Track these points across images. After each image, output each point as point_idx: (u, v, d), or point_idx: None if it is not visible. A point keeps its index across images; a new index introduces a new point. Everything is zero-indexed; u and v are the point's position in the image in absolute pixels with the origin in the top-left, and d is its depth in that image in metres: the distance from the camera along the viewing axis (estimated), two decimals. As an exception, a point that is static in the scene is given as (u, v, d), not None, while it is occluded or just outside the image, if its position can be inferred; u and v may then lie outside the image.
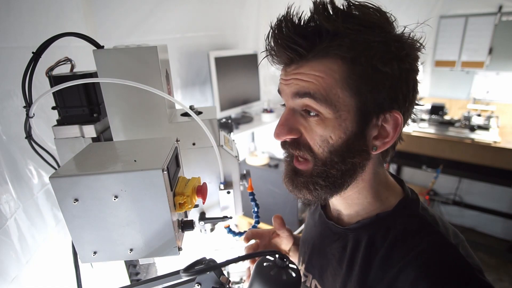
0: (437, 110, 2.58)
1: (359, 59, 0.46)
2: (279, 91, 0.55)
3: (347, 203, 0.57)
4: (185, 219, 0.55)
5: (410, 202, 0.56)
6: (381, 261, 0.51)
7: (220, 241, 1.23)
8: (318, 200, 0.55)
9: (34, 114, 0.54)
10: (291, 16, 0.47)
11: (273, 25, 0.49)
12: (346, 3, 0.47)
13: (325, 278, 0.62)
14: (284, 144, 0.54)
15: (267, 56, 0.52)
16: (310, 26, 0.47)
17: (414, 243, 0.49)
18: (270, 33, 0.49)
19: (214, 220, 0.72)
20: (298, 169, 0.54)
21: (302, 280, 0.70)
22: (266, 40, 0.51)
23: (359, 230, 0.56)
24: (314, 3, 0.47)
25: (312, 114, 0.49)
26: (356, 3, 0.47)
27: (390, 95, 0.48)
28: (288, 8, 0.48)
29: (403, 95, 0.49)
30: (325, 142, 0.50)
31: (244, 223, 1.72)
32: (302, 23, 0.47)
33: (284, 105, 0.55)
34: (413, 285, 0.45)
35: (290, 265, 0.47)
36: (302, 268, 0.72)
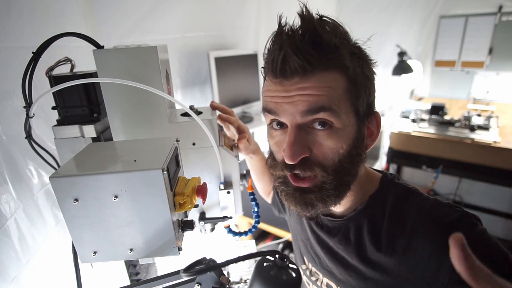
0: (437, 110, 2.58)
1: (356, 69, 0.49)
2: (268, 110, 0.51)
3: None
4: (185, 219, 0.55)
5: (390, 176, 0.62)
6: (387, 233, 0.55)
7: (220, 241, 1.23)
8: (327, 210, 0.55)
9: (34, 114, 0.54)
10: (295, 27, 0.47)
11: (281, 32, 0.47)
12: (318, 16, 0.48)
13: (336, 272, 0.64)
14: (292, 167, 0.50)
15: (266, 64, 0.50)
16: (313, 37, 0.46)
17: (410, 208, 0.54)
18: (278, 40, 0.47)
19: (214, 220, 0.71)
20: (303, 187, 0.52)
21: (313, 279, 0.70)
22: (270, 48, 0.49)
23: (358, 217, 0.59)
24: (303, 16, 0.47)
25: (321, 127, 0.48)
26: (324, 16, 0.48)
27: (373, 97, 0.54)
28: (303, 11, 0.47)
29: (375, 96, 0.55)
30: (336, 154, 0.49)
31: (244, 223, 1.72)
32: (305, 35, 0.46)
33: (278, 124, 0.52)
34: (436, 247, 0.49)
35: (290, 265, 0.47)
36: (311, 267, 0.72)
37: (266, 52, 0.50)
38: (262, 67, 0.54)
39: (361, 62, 0.51)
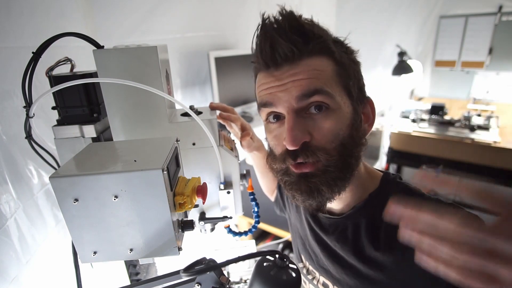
0: (437, 110, 2.58)
1: (341, 53, 0.52)
2: (264, 104, 0.52)
3: (339, 197, 0.57)
4: (185, 219, 0.55)
5: (391, 176, 0.61)
6: (387, 232, 0.54)
7: (220, 241, 1.23)
8: (332, 198, 0.54)
9: (34, 114, 0.54)
10: (282, 17, 0.49)
11: (264, 24, 0.50)
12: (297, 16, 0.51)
13: (332, 271, 0.63)
14: (294, 155, 0.50)
15: (256, 58, 0.52)
16: (296, 27, 0.49)
17: None
18: (263, 30, 0.50)
19: (214, 220, 0.71)
20: (306, 172, 0.51)
21: (310, 278, 0.70)
22: (258, 37, 0.51)
23: (357, 215, 0.59)
24: (282, 12, 0.50)
25: (317, 111, 0.49)
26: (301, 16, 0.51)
27: (362, 82, 0.56)
28: (282, 9, 0.50)
29: (364, 83, 0.57)
30: (336, 136, 0.50)
31: (244, 223, 1.72)
32: (289, 23, 0.49)
33: (274, 117, 0.53)
34: None
35: (290, 265, 0.47)
36: (308, 265, 0.72)
37: (253, 47, 0.52)
38: (252, 64, 0.56)
39: (344, 49, 0.53)
